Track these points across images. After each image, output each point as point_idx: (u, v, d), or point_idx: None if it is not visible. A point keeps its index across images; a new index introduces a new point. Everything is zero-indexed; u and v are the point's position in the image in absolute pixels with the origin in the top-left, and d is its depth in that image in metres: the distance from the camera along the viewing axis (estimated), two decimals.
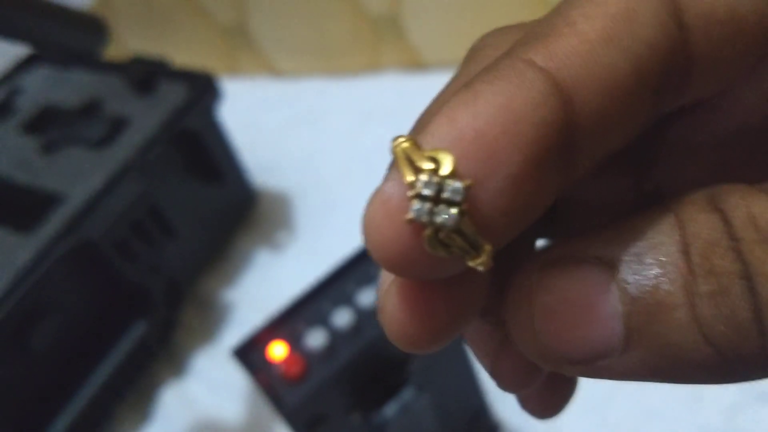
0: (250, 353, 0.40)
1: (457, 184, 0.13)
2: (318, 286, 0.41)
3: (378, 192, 0.13)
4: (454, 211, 0.13)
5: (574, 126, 0.13)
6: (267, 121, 0.79)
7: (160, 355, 0.59)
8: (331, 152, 0.73)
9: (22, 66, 0.68)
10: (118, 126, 0.58)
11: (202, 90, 0.59)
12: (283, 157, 0.74)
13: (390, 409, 0.39)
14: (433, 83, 0.76)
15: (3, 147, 0.60)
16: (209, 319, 0.62)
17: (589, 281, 0.14)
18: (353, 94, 0.78)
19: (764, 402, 0.45)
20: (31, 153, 0.59)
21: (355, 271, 0.42)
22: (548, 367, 0.15)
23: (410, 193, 0.13)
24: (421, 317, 0.14)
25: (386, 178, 0.13)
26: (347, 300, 0.40)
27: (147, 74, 0.60)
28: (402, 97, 0.75)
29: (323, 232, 0.66)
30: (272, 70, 0.85)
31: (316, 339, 0.39)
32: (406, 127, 0.67)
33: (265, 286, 0.63)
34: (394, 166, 0.13)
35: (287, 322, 0.40)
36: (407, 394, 0.40)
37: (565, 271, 0.14)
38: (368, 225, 0.13)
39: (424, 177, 0.13)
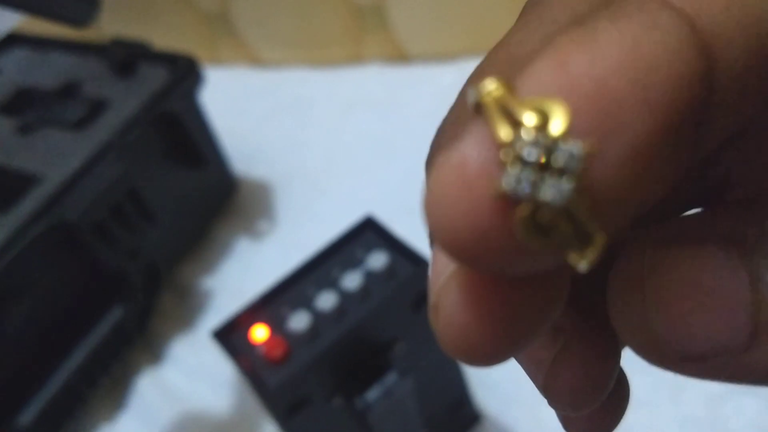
0: (230, 335, 0.39)
1: (577, 148, 0.09)
2: (302, 268, 0.41)
3: (450, 152, 0.10)
4: (568, 184, 0.09)
5: (713, 85, 0.11)
6: (249, 110, 0.78)
7: (137, 342, 0.58)
8: (312, 142, 0.72)
9: None
10: (97, 108, 0.57)
11: (184, 73, 0.58)
12: (265, 146, 0.73)
13: (373, 394, 0.38)
14: (416, 75, 0.75)
15: None
16: (187, 306, 0.61)
17: (714, 262, 0.12)
18: (336, 85, 0.78)
19: (747, 392, 0.45)
20: (8, 134, 0.58)
21: (340, 254, 0.41)
22: (658, 363, 0.12)
23: (506, 155, 0.10)
24: (489, 322, 0.11)
25: (462, 134, 0.10)
26: (331, 283, 0.40)
27: (127, 56, 0.60)
28: (385, 88, 0.75)
29: (304, 221, 0.65)
30: (254, 59, 0.84)
31: (298, 321, 0.38)
32: (388, 118, 0.66)
33: (244, 274, 0.62)
34: (471, 119, 0.10)
35: (269, 304, 0.40)
36: (390, 379, 0.39)
37: (686, 250, 0.12)
38: (435, 197, 0.10)
39: (528, 135, 0.10)
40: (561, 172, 0.10)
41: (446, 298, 0.12)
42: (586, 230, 0.10)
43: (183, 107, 0.59)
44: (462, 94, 0.13)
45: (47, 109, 0.59)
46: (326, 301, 0.38)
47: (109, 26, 0.87)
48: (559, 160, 0.09)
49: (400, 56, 0.77)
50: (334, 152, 0.71)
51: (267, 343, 0.38)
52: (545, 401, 0.16)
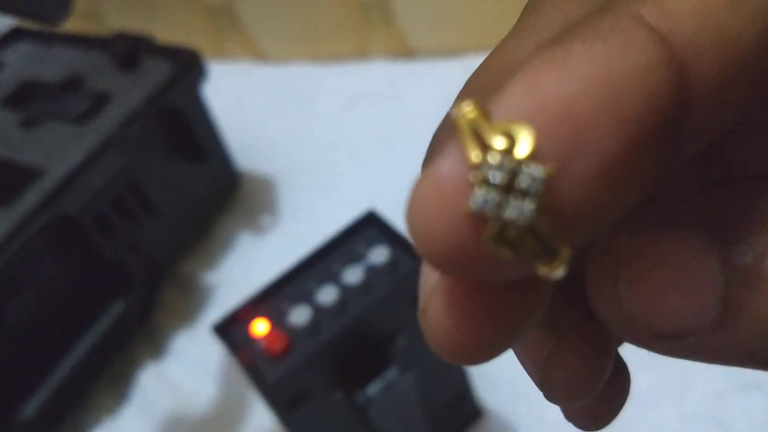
0: (230, 329, 0.39)
1: (537, 171, 0.10)
2: (303, 263, 0.41)
3: (430, 170, 0.11)
4: (530, 205, 0.10)
5: (686, 102, 0.11)
6: (252, 105, 0.78)
7: (139, 336, 0.58)
8: (316, 137, 0.72)
9: (3, 41, 0.67)
10: (99, 101, 0.57)
11: (187, 66, 0.58)
12: (268, 141, 0.73)
13: (373, 388, 0.38)
14: (421, 70, 0.75)
15: None
16: (190, 300, 0.61)
17: (686, 246, 0.12)
18: (340, 80, 0.77)
19: (750, 391, 0.45)
20: (11, 127, 0.58)
21: (341, 248, 0.41)
22: (632, 341, 0.13)
23: (474, 177, 0.10)
24: (472, 325, 0.12)
25: (441, 153, 0.11)
26: (333, 278, 0.39)
27: (130, 50, 0.59)
28: (389, 83, 0.75)
29: (306, 216, 0.65)
30: (259, 53, 0.84)
31: (299, 316, 0.38)
32: (393, 113, 0.66)
33: (246, 269, 0.62)
34: (451, 138, 0.11)
35: (270, 298, 0.40)
36: (391, 373, 0.39)
37: (660, 235, 0.12)
38: (415, 211, 0.11)
39: (494, 159, 0.10)
40: (524, 193, 0.10)
41: (433, 303, 0.12)
42: (552, 245, 0.10)
43: (186, 101, 0.59)
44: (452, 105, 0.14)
45: (50, 102, 0.59)
46: (327, 295, 0.38)
47: (112, 20, 0.87)
48: (522, 182, 0.10)
49: (404, 51, 0.77)
50: (337, 147, 0.70)
51: (267, 337, 0.38)
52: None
